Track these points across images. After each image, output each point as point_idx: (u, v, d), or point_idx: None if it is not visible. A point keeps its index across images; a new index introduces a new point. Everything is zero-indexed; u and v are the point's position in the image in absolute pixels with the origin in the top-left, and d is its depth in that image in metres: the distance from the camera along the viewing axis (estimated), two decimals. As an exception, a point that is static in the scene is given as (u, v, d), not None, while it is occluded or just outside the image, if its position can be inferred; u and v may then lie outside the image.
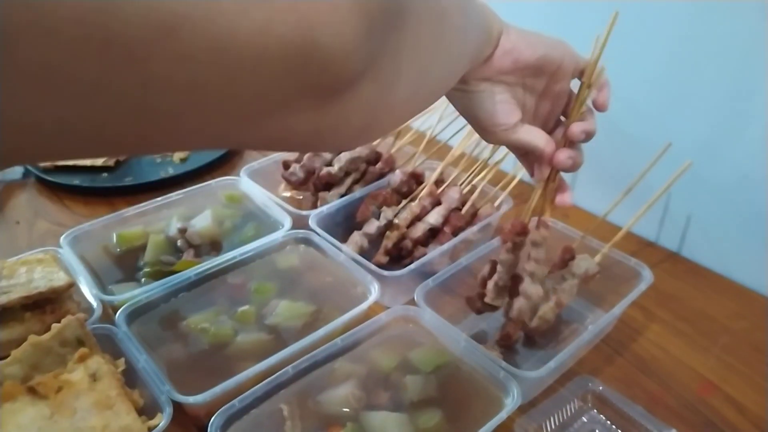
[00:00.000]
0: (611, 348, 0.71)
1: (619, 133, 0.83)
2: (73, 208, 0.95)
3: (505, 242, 0.64)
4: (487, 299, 0.68)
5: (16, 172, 1.01)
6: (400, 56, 0.28)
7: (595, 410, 0.62)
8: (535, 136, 0.53)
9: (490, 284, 0.67)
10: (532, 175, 0.60)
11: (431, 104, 0.39)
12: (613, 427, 0.61)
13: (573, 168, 0.56)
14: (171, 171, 1.03)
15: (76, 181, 1.00)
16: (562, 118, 0.57)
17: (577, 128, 0.54)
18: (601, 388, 0.62)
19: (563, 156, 0.54)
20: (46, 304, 0.65)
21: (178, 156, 1.07)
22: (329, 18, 0.22)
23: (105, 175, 1.02)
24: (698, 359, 0.69)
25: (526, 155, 0.58)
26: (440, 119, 0.93)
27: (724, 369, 0.68)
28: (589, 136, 0.55)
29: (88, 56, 0.18)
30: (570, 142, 0.55)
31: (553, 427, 0.60)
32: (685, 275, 0.81)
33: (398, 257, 0.82)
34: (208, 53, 0.19)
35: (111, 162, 1.04)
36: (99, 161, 1.03)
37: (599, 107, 0.55)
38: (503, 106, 0.51)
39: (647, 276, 0.71)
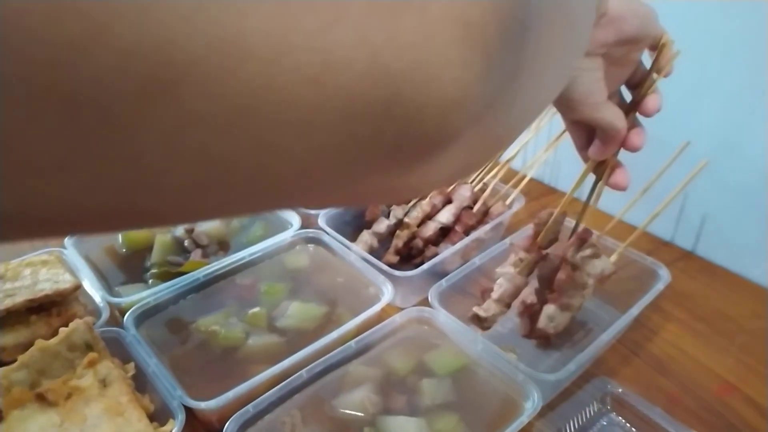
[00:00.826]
0: (627, 348, 0.70)
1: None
2: (76, 207, 0.93)
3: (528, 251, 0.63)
4: (477, 310, 0.64)
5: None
6: (518, 80, 0.19)
7: (614, 413, 0.61)
8: (616, 116, 0.49)
9: (490, 296, 0.64)
10: (581, 149, 0.55)
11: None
12: (633, 430, 0.60)
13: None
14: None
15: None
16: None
17: (653, 104, 0.51)
18: (620, 390, 0.61)
19: (640, 140, 0.51)
20: (52, 307, 0.64)
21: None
22: (420, 56, 0.14)
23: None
24: (716, 359, 0.68)
25: (584, 129, 0.54)
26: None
27: (743, 369, 0.67)
28: (659, 110, 0.52)
29: (46, 124, 0.12)
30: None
31: (572, 430, 0.59)
32: (700, 274, 0.80)
33: (408, 257, 0.81)
34: (227, 117, 0.13)
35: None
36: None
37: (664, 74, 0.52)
38: (599, 84, 0.46)
39: (664, 275, 0.70)
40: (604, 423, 0.60)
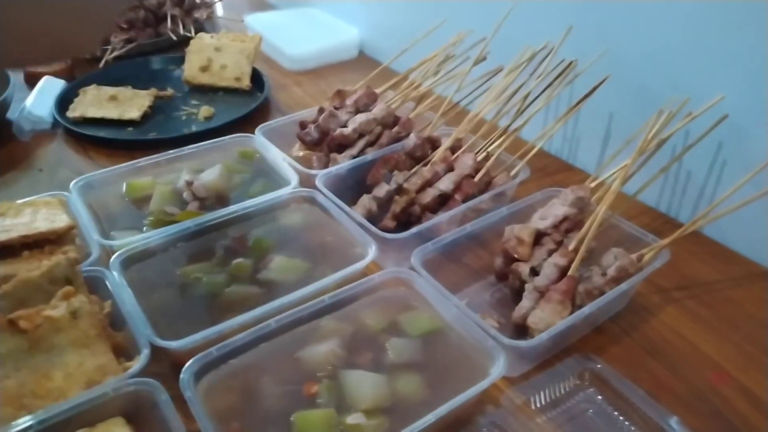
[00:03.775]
0: (620, 328, 0.66)
1: (647, 102, 0.77)
2: (96, 159, 0.97)
3: None
4: None
5: (45, 122, 1.03)
6: None
7: (592, 389, 0.58)
8: None
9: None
10: None
11: None
12: (610, 408, 0.57)
13: None
14: (194, 128, 1.03)
15: (101, 133, 1.01)
16: None
17: None
18: (599, 366, 0.59)
19: None
20: (46, 245, 0.66)
21: (203, 114, 1.07)
22: None
23: (130, 129, 1.04)
24: (715, 346, 0.64)
25: None
26: (459, 88, 0.89)
27: (743, 358, 0.63)
28: None
29: None
30: None
31: (543, 402, 0.57)
32: (709, 257, 0.76)
33: (408, 223, 0.79)
34: None
35: (137, 116, 1.04)
36: (126, 115, 1.04)
37: None
38: None
39: (663, 253, 0.66)
40: (580, 398, 0.58)
